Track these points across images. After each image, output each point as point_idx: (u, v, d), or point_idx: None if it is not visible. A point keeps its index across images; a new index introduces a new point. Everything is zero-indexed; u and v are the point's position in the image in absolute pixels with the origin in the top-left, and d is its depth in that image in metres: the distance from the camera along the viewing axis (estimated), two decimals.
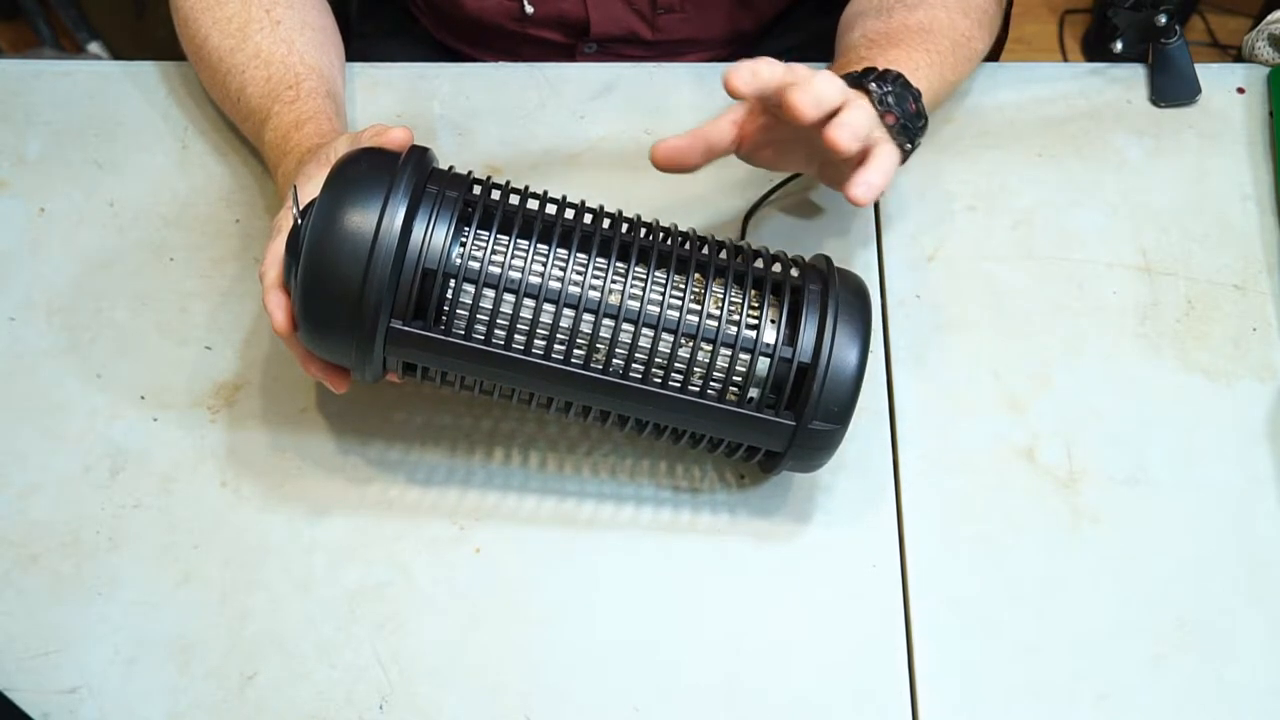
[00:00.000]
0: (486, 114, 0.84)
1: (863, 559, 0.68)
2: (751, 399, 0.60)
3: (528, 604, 0.66)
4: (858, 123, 0.62)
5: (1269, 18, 0.87)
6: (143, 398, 0.72)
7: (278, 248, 0.62)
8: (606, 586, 0.67)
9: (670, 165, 0.66)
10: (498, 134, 0.83)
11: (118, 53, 1.71)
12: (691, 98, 0.84)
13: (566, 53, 0.95)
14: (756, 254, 0.63)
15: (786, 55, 0.95)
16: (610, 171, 0.81)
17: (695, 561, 0.67)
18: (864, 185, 0.64)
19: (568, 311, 0.58)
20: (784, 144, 0.71)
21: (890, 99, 0.68)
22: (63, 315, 0.75)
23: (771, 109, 0.67)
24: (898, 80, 0.69)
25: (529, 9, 0.90)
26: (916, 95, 0.70)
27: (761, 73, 0.62)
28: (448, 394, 0.71)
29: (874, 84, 0.68)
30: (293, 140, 0.71)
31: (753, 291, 0.60)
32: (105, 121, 0.83)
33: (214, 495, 0.69)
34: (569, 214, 0.62)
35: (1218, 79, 0.86)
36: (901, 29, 0.76)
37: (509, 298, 0.58)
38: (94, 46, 1.71)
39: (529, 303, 0.58)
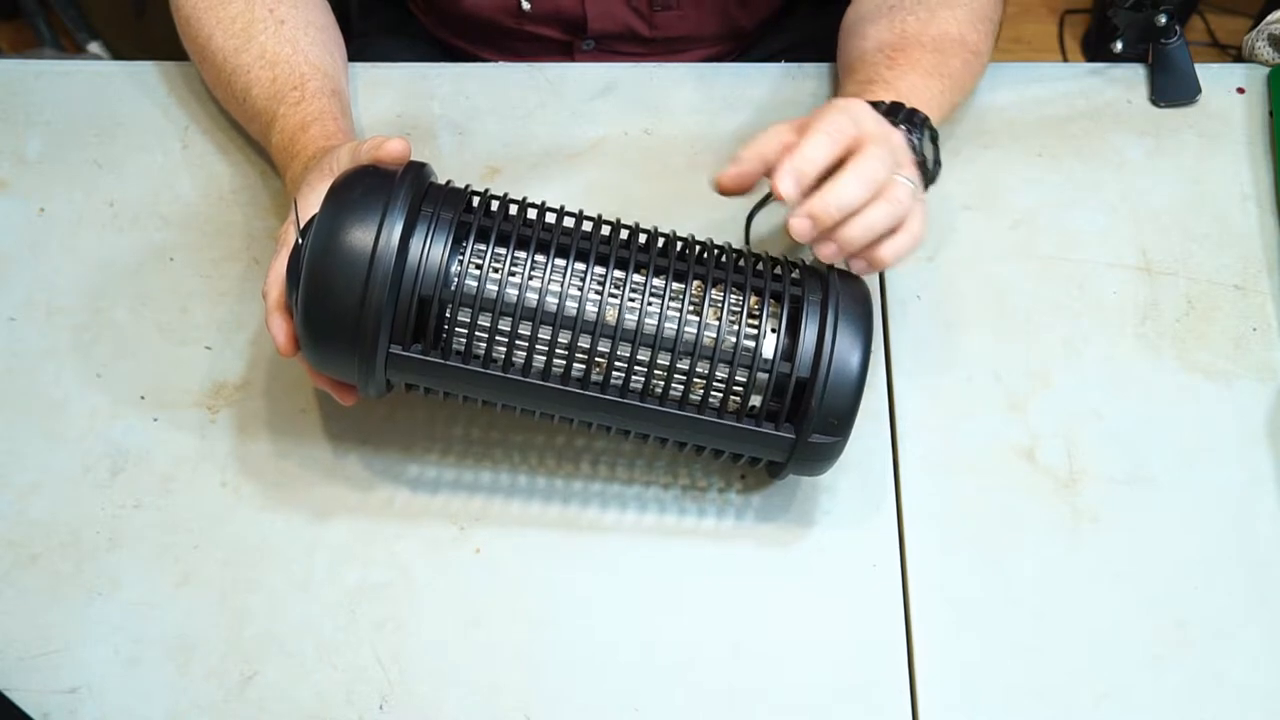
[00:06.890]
0: (486, 114, 0.83)
1: (863, 559, 0.68)
2: (754, 407, 0.60)
3: (527, 604, 0.66)
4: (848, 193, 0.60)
5: (1269, 18, 0.87)
6: (143, 398, 0.72)
7: (280, 268, 0.62)
8: (606, 585, 0.67)
9: (738, 190, 0.63)
10: (497, 134, 0.82)
11: (118, 53, 1.71)
12: (691, 98, 0.84)
13: (564, 50, 0.95)
14: (756, 259, 0.62)
15: (784, 54, 0.95)
16: (610, 171, 0.81)
17: (695, 560, 0.67)
18: (891, 251, 0.63)
19: (565, 331, 0.58)
20: None
21: (919, 146, 0.67)
22: (63, 315, 0.75)
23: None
24: (925, 124, 0.68)
25: (526, 5, 0.90)
26: (935, 137, 0.69)
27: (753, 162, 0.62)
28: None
29: (904, 126, 0.67)
30: (299, 144, 0.71)
31: (753, 299, 0.60)
32: (105, 121, 0.83)
33: (214, 495, 0.69)
34: (567, 221, 0.61)
35: (1218, 79, 0.86)
36: (916, 46, 0.75)
37: (506, 320, 0.58)
38: (94, 46, 1.71)
39: (526, 323, 0.58)
